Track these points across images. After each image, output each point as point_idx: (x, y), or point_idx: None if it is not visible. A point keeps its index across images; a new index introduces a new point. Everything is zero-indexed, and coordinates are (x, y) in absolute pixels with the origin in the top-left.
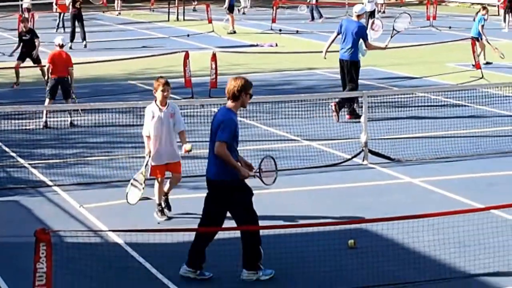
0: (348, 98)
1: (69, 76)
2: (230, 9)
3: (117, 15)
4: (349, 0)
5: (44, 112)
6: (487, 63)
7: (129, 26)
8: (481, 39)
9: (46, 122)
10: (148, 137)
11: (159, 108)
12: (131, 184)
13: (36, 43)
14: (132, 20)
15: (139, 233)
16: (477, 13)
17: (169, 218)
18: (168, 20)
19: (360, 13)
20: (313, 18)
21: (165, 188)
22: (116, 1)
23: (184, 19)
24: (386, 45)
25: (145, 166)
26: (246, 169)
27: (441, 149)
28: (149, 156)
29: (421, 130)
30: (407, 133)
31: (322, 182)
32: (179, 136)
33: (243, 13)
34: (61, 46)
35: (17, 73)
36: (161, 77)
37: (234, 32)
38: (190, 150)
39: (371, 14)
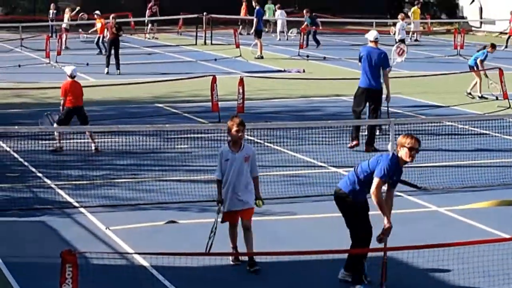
0: (372, 129)
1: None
2: (258, 34)
3: (156, 38)
4: (377, 27)
5: (57, 135)
6: (482, 97)
7: (156, 49)
8: (477, 69)
9: (61, 146)
10: (220, 181)
11: (232, 150)
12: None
13: None
14: (159, 43)
15: (166, 256)
16: (484, 47)
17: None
18: (196, 44)
19: (378, 37)
20: (318, 44)
21: (246, 246)
22: (149, 25)
23: (211, 43)
24: (388, 98)
25: (217, 213)
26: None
27: (468, 178)
28: (221, 203)
29: (448, 159)
30: (434, 161)
31: None
32: (253, 181)
33: (286, 39)
34: (73, 77)
35: None
36: (236, 116)
37: (262, 57)
38: (260, 206)
39: (401, 43)
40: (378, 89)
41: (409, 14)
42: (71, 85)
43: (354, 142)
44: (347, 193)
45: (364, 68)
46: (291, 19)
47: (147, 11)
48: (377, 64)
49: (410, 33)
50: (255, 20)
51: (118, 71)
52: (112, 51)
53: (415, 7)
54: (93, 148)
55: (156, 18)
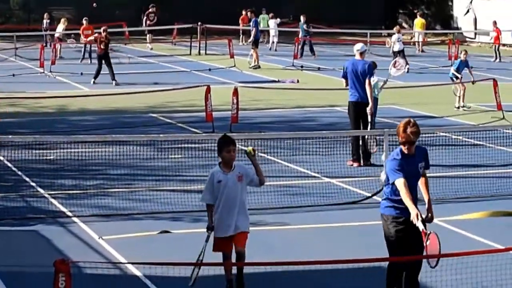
0: (358, 143)
1: None
2: (255, 44)
3: (150, 49)
4: (371, 38)
5: None
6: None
7: (150, 59)
8: (455, 79)
9: None
10: (211, 206)
11: (224, 171)
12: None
13: None
14: (154, 53)
15: (158, 266)
16: (464, 53)
17: None
18: (190, 54)
19: (362, 50)
20: (313, 54)
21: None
22: (148, 35)
23: (206, 53)
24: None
25: (206, 241)
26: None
27: (461, 189)
28: (212, 230)
29: (441, 170)
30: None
31: (341, 219)
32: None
33: (275, 50)
34: None
35: None
36: (225, 135)
37: (259, 67)
38: (251, 153)
39: (400, 54)
40: (362, 103)
41: (408, 25)
42: None
43: (356, 164)
44: (382, 214)
45: (352, 81)
46: (285, 29)
47: (145, 18)
48: (363, 75)
49: (416, 44)
50: (253, 30)
51: (114, 81)
52: (103, 64)
53: (419, 18)
54: None
55: (152, 28)
